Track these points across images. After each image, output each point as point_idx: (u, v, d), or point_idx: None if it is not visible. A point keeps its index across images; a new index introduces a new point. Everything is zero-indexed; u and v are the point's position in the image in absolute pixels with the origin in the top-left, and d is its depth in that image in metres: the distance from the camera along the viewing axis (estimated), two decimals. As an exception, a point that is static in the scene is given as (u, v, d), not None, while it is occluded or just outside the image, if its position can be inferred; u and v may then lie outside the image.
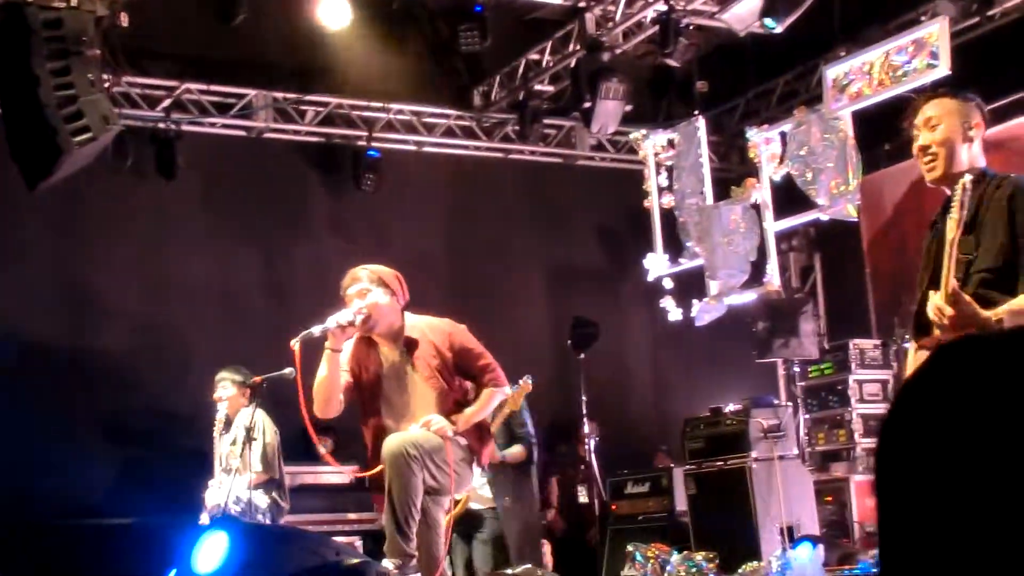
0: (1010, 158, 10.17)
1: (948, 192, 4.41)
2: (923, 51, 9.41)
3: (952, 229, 4.12)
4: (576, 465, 11.96)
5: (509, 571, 6.77)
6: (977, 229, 4.27)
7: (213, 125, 11.65)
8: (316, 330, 6.10)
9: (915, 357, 4.50)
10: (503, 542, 8.34)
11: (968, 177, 4.17)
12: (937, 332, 4.20)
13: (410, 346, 6.29)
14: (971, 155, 4.48)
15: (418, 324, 6.40)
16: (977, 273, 4.25)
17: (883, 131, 10.99)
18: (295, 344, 6.08)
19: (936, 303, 4.13)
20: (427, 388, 6.24)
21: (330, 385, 6.14)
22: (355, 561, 4.18)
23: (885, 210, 11.74)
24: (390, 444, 5.91)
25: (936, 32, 9.37)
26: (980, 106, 4.59)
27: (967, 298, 4.08)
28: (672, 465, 10.65)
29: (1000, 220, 4.26)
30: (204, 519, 8.61)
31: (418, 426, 6.07)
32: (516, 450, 8.77)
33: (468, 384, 6.46)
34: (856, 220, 10.64)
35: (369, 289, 6.24)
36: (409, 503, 5.81)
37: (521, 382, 8.56)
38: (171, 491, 9.40)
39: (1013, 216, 4.24)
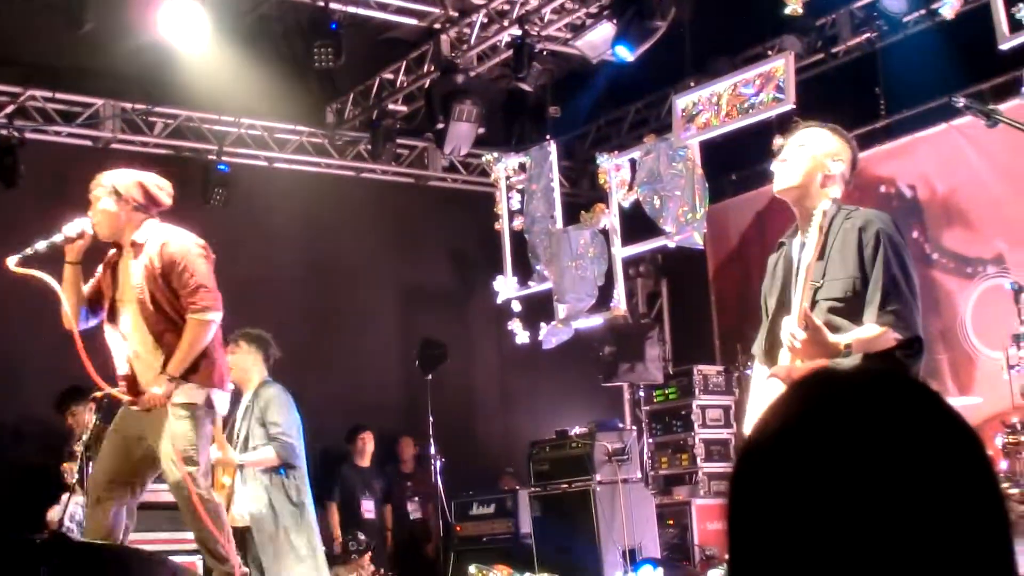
0: (850, 193, 10.43)
1: (796, 212, 4.52)
2: (770, 84, 9.63)
3: (810, 252, 4.21)
4: (403, 482, 11.91)
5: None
6: (826, 258, 4.37)
7: (59, 134, 11.38)
8: (40, 245, 6.08)
9: (765, 384, 4.56)
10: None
11: (827, 203, 4.27)
12: (786, 358, 4.28)
13: (135, 252, 6.14)
14: (829, 186, 4.59)
15: (155, 233, 6.18)
16: (825, 300, 4.35)
17: (730, 161, 11.23)
18: (12, 263, 6.02)
19: (789, 328, 4.22)
20: (135, 304, 6.08)
21: (68, 299, 6.10)
22: (192, 582, 4.10)
23: (730, 239, 11.97)
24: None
25: (782, 67, 9.60)
26: (853, 148, 4.74)
27: (818, 323, 4.17)
28: (518, 487, 10.70)
29: (850, 251, 4.36)
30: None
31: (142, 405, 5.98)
32: (262, 454, 7.90)
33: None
34: (702, 248, 10.82)
35: (102, 196, 6.16)
36: (211, 530, 5.80)
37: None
38: (7, 507, 9.14)
39: (862, 249, 4.35)
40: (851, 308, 4.31)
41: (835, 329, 4.25)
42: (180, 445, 5.90)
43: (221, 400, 6.27)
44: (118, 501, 6.06)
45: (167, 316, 6.06)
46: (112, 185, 6.15)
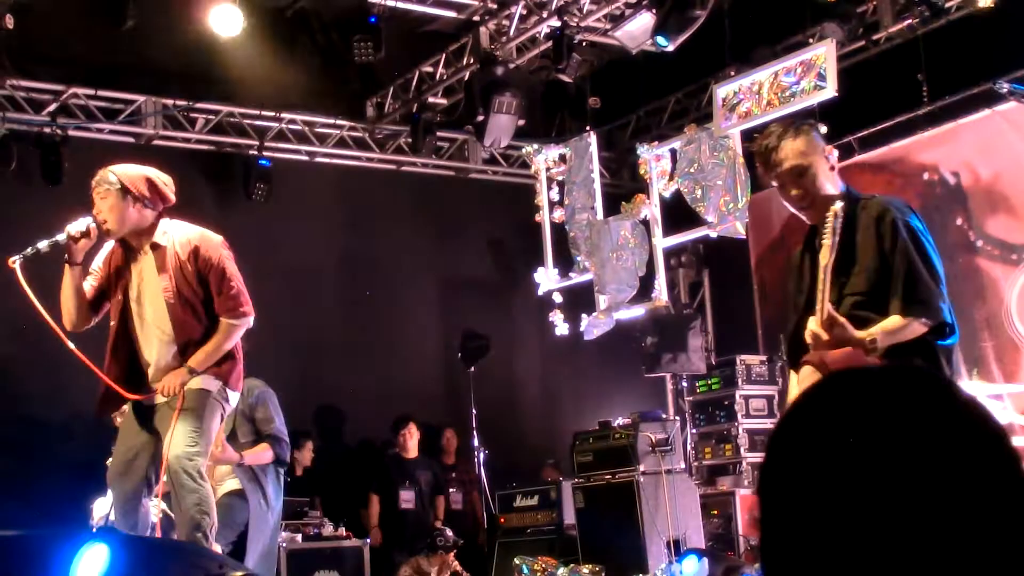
0: (893, 180, 10.41)
1: (813, 217, 4.51)
2: (811, 72, 9.57)
3: (825, 255, 4.19)
4: (446, 474, 11.94)
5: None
6: (850, 252, 4.34)
7: (101, 131, 11.46)
8: (43, 244, 5.94)
9: (796, 378, 4.55)
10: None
11: (839, 204, 4.24)
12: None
13: (157, 253, 6.04)
14: (833, 180, 4.56)
15: (172, 231, 6.08)
16: (850, 296, 4.33)
17: (771, 150, 11.15)
18: (13, 262, 5.88)
19: (812, 328, 4.20)
20: (162, 301, 6.01)
21: (67, 299, 6.05)
22: (238, 574, 4.13)
23: (773, 228, 11.92)
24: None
25: (823, 54, 9.54)
26: (818, 128, 4.68)
27: (842, 319, 4.15)
28: (561, 478, 10.69)
29: (869, 244, 4.33)
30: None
31: (160, 396, 5.97)
32: (258, 450, 7.83)
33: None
34: (744, 237, 10.78)
35: (109, 192, 5.98)
36: (196, 517, 5.85)
37: None
38: (54, 503, 9.21)
39: (881, 240, 4.32)
40: (876, 301, 4.29)
41: (863, 322, 4.23)
42: (184, 427, 5.90)
43: (234, 400, 6.30)
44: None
45: (193, 315, 6.04)
46: (119, 180, 6.00)
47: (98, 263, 6.18)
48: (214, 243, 6.12)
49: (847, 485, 1.27)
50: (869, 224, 4.35)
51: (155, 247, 6.05)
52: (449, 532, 10.46)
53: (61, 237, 5.93)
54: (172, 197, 6.20)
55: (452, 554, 10.31)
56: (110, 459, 6.41)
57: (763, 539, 1.36)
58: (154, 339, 6.09)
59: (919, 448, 1.27)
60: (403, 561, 10.77)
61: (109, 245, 6.19)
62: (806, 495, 1.31)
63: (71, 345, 6.06)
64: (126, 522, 6.06)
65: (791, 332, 4.60)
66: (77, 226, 5.95)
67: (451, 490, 11.87)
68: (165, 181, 6.20)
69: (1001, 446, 1.32)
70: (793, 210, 4.65)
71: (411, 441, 11.46)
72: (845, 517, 1.27)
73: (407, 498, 11.29)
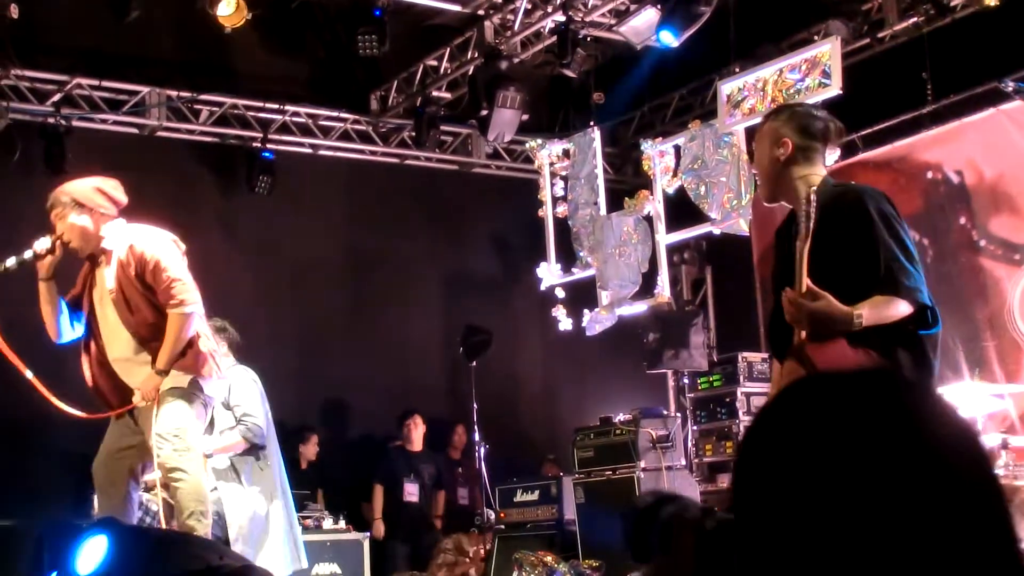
0: (896, 178, 10.39)
1: (788, 205, 4.53)
2: (816, 70, 9.57)
3: (802, 240, 4.20)
4: (452, 469, 11.96)
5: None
6: (826, 239, 4.34)
7: (104, 122, 11.46)
8: (10, 262, 6.13)
9: (779, 370, 4.54)
10: None
11: (813, 189, 4.26)
12: (796, 337, 4.26)
13: (105, 256, 6.19)
14: (797, 168, 4.55)
15: (122, 236, 6.20)
16: (827, 283, 4.32)
17: (775, 147, 11.15)
18: None
19: (789, 297, 4.19)
20: (112, 309, 6.15)
21: (45, 313, 6.23)
22: (238, 566, 4.12)
23: (775, 225, 11.87)
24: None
25: (828, 52, 9.53)
26: (789, 119, 4.64)
27: (823, 293, 4.14)
28: (561, 474, 10.69)
29: (844, 231, 4.34)
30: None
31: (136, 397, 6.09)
32: (228, 439, 7.64)
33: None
34: (747, 235, 10.77)
35: (66, 211, 6.14)
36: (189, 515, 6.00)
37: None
38: (53, 492, 9.22)
39: (855, 227, 4.33)
40: (854, 288, 4.28)
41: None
42: (165, 427, 6.01)
43: (214, 388, 6.36)
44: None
45: (146, 316, 6.14)
46: (72, 198, 6.15)
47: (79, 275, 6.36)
48: (151, 239, 6.21)
49: (816, 489, 1.29)
50: (843, 211, 4.36)
51: (104, 252, 6.19)
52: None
53: (28, 255, 6.11)
54: (123, 199, 6.33)
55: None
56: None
57: (738, 543, 1.38)
58: (114, 340, 6.22)
59: (888, 452, 1.29)
60: (404, 554, 10.80)
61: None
62: (777, 499, 1.32)
63: (29, 374, 6.29)
64: (110, 509, 6.15)
65: (769, 316, 4.60)
66: (42, 243, 6.13)
67: (464, 485, 11.89)
68: (113, 185, 6.34)
69: (971, 448, 1.34)
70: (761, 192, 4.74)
71: (415, 433, 11.47)
72: (816, 521, 1.28)
73: (411, 491, 11.30)
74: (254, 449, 7.72)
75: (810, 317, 4.15)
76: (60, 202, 6.16)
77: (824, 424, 1.33)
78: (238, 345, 8.05)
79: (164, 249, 6.16)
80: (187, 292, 6.11)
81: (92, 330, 6.29)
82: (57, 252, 6.14)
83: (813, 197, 4.21)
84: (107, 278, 6.14)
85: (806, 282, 4.15)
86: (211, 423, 7.64)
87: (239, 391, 7.77)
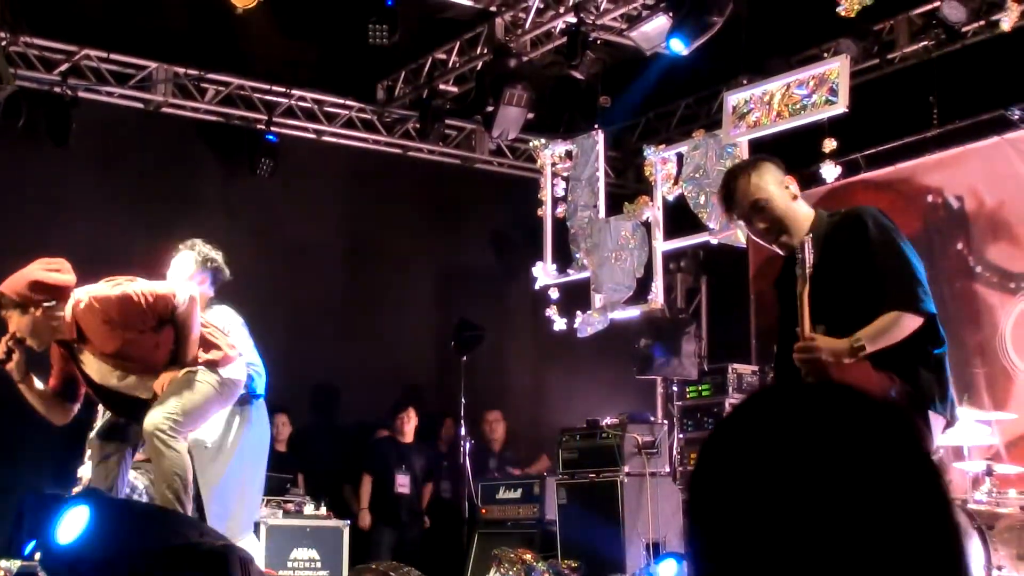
0: (896, 199, 10.40)
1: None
2: (823, 86, 9.58)
3: (800, 286, 4.24)
4: (440, 461, 11.96)
5: (373, 565, 6.71)
6: (831, 269, 4.37)
7: (110, 94, 11.45)
8: None
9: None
10: None
11: (809, 236, 4.30)
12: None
13: (81, 337, 6.07)
14: (799, 206, 4.61)
15: (70, 309, 6.01)
16: (839, 311, 4.35)
17: (778, 162, 11.15)
18: None
19: (796, 354, 4.24)
20: (107, 367, 6.12)
21: (38, 407, 6.22)
22: (218, 544, 4.13)
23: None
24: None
25: (837, 69, 9.54)
26: (776, 161, 4.73)
27: (823, 338, 4.18)
28: (545, 473, 10.70)
29: (847, 254, 4.37)
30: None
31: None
32: None
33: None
34: (744, 247, 10.78)
35: (12, 313, 5.91)
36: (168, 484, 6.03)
37: None
38: (41, 464, 9.22)
39: (854, 247, 4.36)
40: (862, 307, 4.31)
41: (854, 332, 4.26)
42: (166, 400, 6.05)
43: (230, 373, 6.37)
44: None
45: (137, 353, 6.15)
46: (10, 300, 5.90)
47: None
48: (87, 295, 6.04)
49: (770, 499, 1.31)
50: (843, 235, 4.41)
51: (78, 332, 6.05)
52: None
53: None
54: (69, 280, 6.05)
55: None
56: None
57: (691, 549, 1.40)
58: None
59: (842, 464, 1.31)
60: (388, 544, 10.80)
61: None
62: (732, 507, 1.34)
63: None
64: (101, 481, 6.18)
65: (778, 359, 4.64)
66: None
67: (442, 479, 11.90)
68: (54, 268, 6.05)
69: (923, 465, 1.36)
70: (767, 245, 4.70)
71: (408, 427, 11.46)
72: (768, 529, 1.30)
73: (403, 482, 11.30)
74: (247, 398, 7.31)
75: (823, 363, 4.17)
76: (3, 306, 5.93)
77: (773, 439, 1.34)
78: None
79: (112, 289, 6.07)
80: (170, 288, 6.16)
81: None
82: (16, 354, 5.96)
83: (809, 242, 4.25)
84: (89, 354, 6.11)
85: (806, 331, 4.18)
86: None
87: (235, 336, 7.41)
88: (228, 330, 7.01)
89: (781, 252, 4.67)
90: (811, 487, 1.29)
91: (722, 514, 1.35)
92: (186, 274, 7.14)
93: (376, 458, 11.35)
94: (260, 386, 7.35)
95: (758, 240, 4.75)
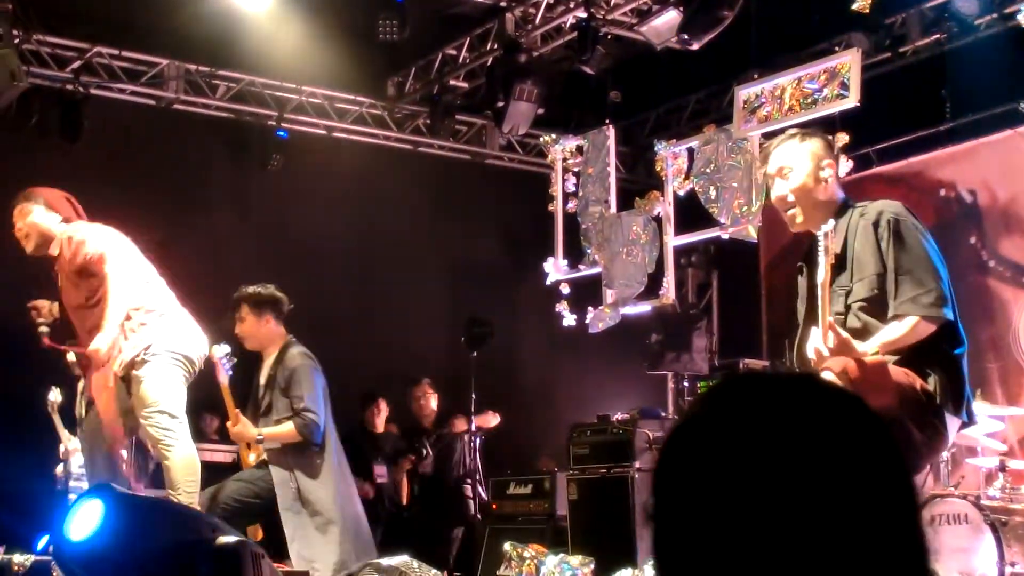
0: (909, 194, 10.37)
1: (814, 231, 4.48)
2: (835, 81, 9.54)
3: (822, 275, 4.19)
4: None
5: (384, 562, 6.69)
6: (849, 260, 4.33)
7: (122, 91, 11.47)
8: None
9: None
10: None
11: (831, 224, 4.24)
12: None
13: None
14: (829, 192, 4.54)
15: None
16: (856, 302, 4.32)
17: (789, 156, 11.12)
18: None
19: (816, 346, 4.20)
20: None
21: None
22: (231, 540, 4.13)
23: (785, 234, 11.85)
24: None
25: (848, 63, 9.51)
26: (828, 142, 4.66)
27: (844, 335, 4.14)
28: (556, 469, 10.69)
29: (869, 249, 4.33)
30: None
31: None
32: (279, 428, 7.40)
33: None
34: (756, 242, 10.75)
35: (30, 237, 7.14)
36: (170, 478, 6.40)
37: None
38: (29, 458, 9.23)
39: (879, 243, 4.32)
40: (880, 305, 4.29)
41: (868, 331, 4.23)
42: (143, 389, 6.47)
43: (173, 347, 6.60)
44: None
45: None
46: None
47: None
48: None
49: (733, 487, 1.31)
50: (866, 229, 4.36)
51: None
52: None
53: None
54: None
55: None
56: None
57: (655, 540, 1.39)
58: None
59: (804, 453, 1.31)
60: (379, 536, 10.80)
61: None
62: (695, 496, 1.34)
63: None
64: (93, 470, 6.30)
65: (795, 346, 4.61)
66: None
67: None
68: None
69: (888, 454, 1.36)
70: (783, 216, 4.66)
71: (379, 419, 11.52)
72: (732, 518, 1.30)
73: (380, 472, 11.31)
74: (308, 444, 7.39)
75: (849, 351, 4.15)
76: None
77: (737, 428, 1.34)
78: (289, 311, 7.89)
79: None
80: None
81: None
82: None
83: (832, 232, 4.19)
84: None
85: (829, 322, 4.14)
86: (269, 407, 7.50)
87: (300, 380, 7.50)
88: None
89: (789, 226, 4.64)
90: (773, 480, 1.29)
91: (684, 510, 1.34)
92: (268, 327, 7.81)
93: (355, 454, 11.36)
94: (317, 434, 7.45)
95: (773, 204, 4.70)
